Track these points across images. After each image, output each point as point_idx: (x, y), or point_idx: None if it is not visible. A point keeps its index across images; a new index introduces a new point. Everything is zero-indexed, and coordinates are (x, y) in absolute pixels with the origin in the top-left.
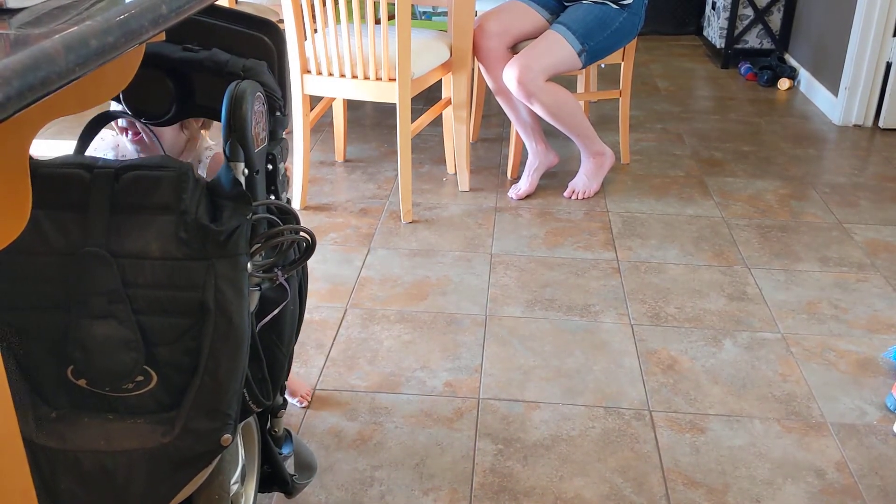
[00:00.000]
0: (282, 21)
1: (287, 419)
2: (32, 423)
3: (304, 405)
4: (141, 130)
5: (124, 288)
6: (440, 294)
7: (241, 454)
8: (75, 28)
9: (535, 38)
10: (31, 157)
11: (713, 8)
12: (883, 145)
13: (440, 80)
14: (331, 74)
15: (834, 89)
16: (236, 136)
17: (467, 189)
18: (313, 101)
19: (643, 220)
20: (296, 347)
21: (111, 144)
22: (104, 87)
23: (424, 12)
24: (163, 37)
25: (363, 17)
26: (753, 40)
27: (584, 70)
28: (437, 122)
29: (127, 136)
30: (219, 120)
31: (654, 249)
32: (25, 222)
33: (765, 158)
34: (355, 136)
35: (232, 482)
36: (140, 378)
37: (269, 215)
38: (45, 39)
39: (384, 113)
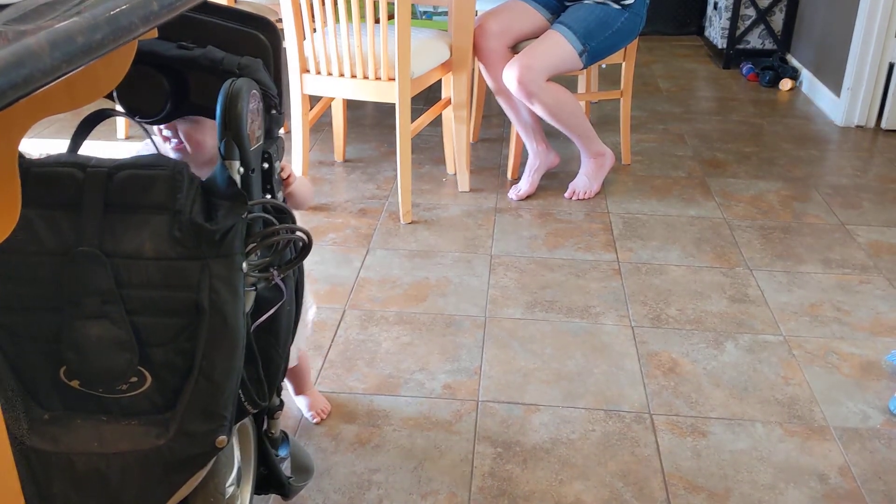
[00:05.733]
0: (280, 20)
1: (284, 421)
2: (25, 425)
3: (316, 420)
4: (173, 135)
5: (118, 288)
6: (439, 295)
7: (237, 456)
8: (62, 24)
9: (536, 37)
10: (23, 157)
11: (715, 8)
12: (885, 146)
13: (440, 80)
14: (330, 74)
15: (836, 90)
16: (231, 134)
17: (467, 189)
18: (312, 100)
19: (644, 222)
20: (293, 349)
21: (152, 150)
22: (96, 85)
23: (425, 12)
24: (155, 34)
25: (363, 16)
26: (755, 41)
27: (584, 70)
28: (437, 122)
29: (169, 143)
30: (214, 118)
31: (655, 251)
32: (15, 222)
33: (767, 159)
34: (355, 136)
35: (227, 484)
36: (134, 379)
37: (264, 214)
38: (30, 36)
39: (384, 113)
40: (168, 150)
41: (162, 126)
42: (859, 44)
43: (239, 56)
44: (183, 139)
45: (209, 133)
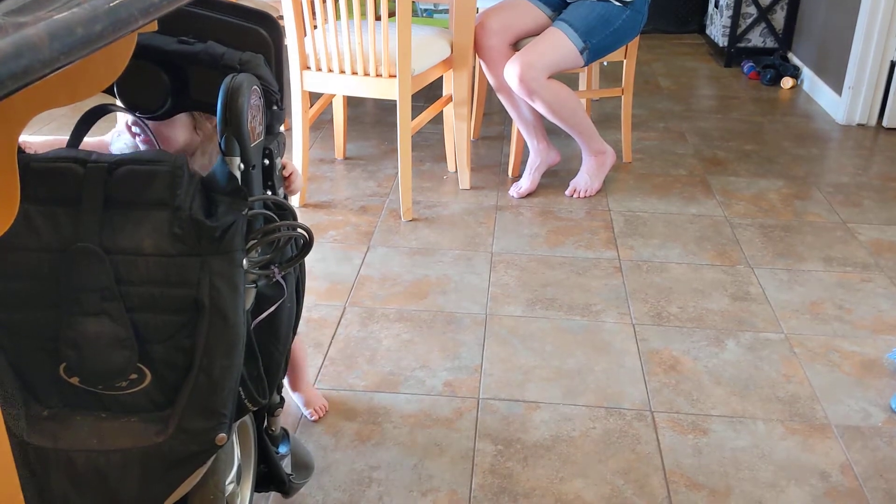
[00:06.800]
0: (282, 16)
1: (284, 418)
2: (24, 422)
3: (314, 418)
4: (142, 131)
5: (117, 285)
6: (440, 293)
7: (237, 453)
8: (61, 16)
9: (537, 35)
10: (22, 151)
11: (716, 6)
12: (887, 145)
13: (441, 77)
14: (331, 71)
15: (837, 88)
16: (231, 130)
17: (468, 187)
18: (313, 97)
19: (645, 219)
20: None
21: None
22: (95, 78)
23: (426, 9)
24: (155, 27)
25: (364, 13)
26: (756, 39)
27: (585, 68)
28: (438, 119)
29: (137, 138)
30: (214, 114)
31: (656, 249)
32: (14, 217)
33: (768, 158)
34: (355, 134)
35: (227, 482)
36: (134, 376)
37: (265, 211)
38: (29, 27)
39: (385, 110)
40: (137, 143)
41: (129, 119)
42: (861, 42)
43: (240, 51)
44: (151, 133)
45: (178, 129)
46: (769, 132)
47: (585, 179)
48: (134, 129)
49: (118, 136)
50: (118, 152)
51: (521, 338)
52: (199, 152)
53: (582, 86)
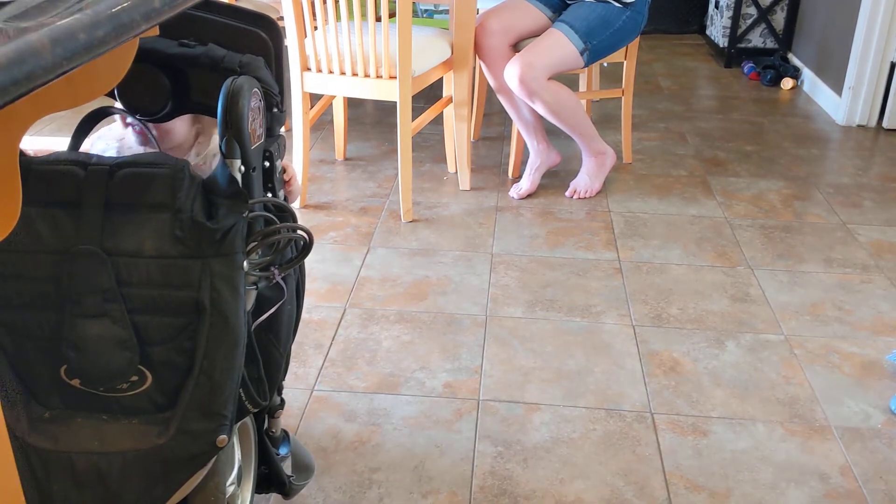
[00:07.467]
0: (282, 18)
1: (285, 420)
2: (25, 424)
3: None
4: (142, 128)
5: (118, 286)
6: (440, 294)
7: (238, 455)
8: (63, 21)
9: (537, 36)
10: (24, 154)
11: (716, 7)
12: (887, 146)
13: (441, 78)
14: (331, 72)
15: (838, 89)
16: (232, 132)
17: (468, 188)
18: (313, 98)
19: (645, 220)
20: (294, 347)
21: (117, 136)
22: (97, 83)
23: (426, 10)
24: (156, 31)
25: (364, 14)
26: (757, 39)
27: (586, 69)
28: (438, 120)
29: (133, 128)
30: (215, 116)
31: (656, 250)
32: (16, 220)
33: (768, 158)
34: (356, 135)
35: (228, 483)
36: (134, 378)
37: (265, 213)
38: (31, 33)
39: (385, 111)
40: (129, 134)
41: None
42: (861, 43)
43: (240, 54)
44: (149, 125)
45: (178, 122)
46: (769, 133)
47: (585, 180)
48: (129, 118)
49: (98, 138)
50: (98, 152)
51: (521, 339)
52: (196, 145)
53: (582, 87)
